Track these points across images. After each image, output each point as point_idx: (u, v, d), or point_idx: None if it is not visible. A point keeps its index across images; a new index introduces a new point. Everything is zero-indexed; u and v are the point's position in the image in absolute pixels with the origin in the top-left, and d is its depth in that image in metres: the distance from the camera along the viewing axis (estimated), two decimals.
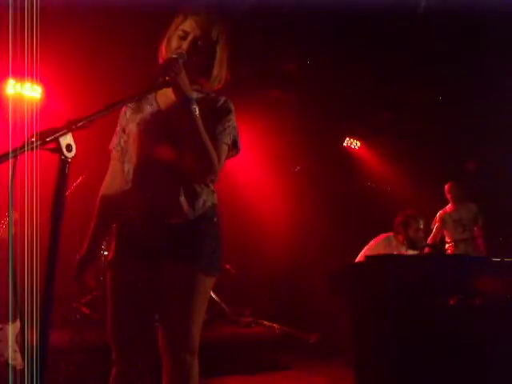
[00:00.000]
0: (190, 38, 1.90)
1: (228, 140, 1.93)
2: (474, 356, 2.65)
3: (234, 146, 1.97)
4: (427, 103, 6.93)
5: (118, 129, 2.02)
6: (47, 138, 1.29)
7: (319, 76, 6.41)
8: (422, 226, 4.60)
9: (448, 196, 5.98)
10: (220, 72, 1.99)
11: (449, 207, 6.00)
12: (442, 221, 5.96)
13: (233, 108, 1.97)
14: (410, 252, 4.58)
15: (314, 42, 5.64)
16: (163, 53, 1.97)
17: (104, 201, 1.98)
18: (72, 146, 1.33)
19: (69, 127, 1.33)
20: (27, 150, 1.26)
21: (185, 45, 1.89)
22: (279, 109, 6.62)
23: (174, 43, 1.92)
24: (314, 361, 4.96)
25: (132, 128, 1.94)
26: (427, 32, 5.41)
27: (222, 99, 1.98)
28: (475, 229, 5.81)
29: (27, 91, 5.08)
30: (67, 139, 1.32)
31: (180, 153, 1.85)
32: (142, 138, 1.91)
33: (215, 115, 1.91)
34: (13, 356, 3.09)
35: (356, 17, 4.87)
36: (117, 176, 1.98)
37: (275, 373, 4.50)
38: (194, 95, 1.83)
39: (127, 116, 1.99)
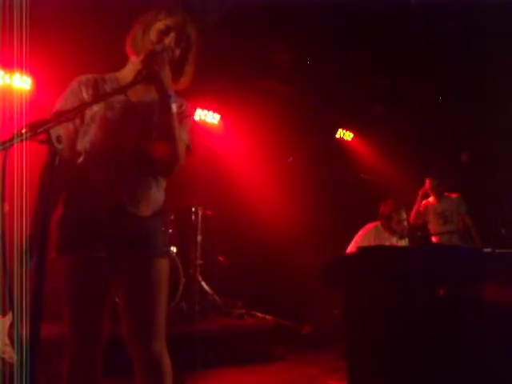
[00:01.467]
0: (172, 34, 1.90)
1: (187, 140, 1.98)
2: (466, 346, 2.68)
3: (188, 148, 2.01)
4: (420, 95, 6.94)
5: (71, 106, 1.86)
6: (38, 130, 1.28)
7: (312, 67, 6.40)
8: (404, 217, 4.65)
9: (429, 192, 6.11)
10: (190, 73, 2.01)
11: (432, 199, 6.13)
12: (426, 210, 6.12)
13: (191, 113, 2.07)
14: (397, 240, 4.64)
15: (308, 34, 5.61)
16: (139, 43, 1.93)
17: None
18: (62, 137, 1.32)
19: (58, 119, 1.33)
20: (17, 141, 1.24)
21: (167, 40, 1.89)
22: (272, 100, 6.59)
23: (153, 36, 1.90)
24: (307, 352, 4.99)
25: (97, 112, 1.88)
26: (420, 24, 5.40)
27: (185, 103, 2.02)
28: (463, 219, 5.88)
29: (16, 82, 5.03)
30: (57, 131, 1.32)
31: (150, 146, 1.86)
32: (110, 125, 1.88)
33: (179, 117, 1.94)
34: (3, 349, 3.07)
35: (349, 8, 4.85)
36: (61, 157, 1.92)
37: (268, 364, 4.52)
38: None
39: (85, 96, 1.90)
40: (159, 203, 1.95)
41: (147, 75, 1.74)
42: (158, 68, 1.74)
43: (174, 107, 1.81)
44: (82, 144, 1.88)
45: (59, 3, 4.45)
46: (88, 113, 1.90)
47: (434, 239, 5.97)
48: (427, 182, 6.06)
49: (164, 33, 1.90)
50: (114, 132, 1.87)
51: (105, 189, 1.84)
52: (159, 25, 1.91)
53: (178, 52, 1.92)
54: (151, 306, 1.84)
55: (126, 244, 1.84)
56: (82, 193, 1.88)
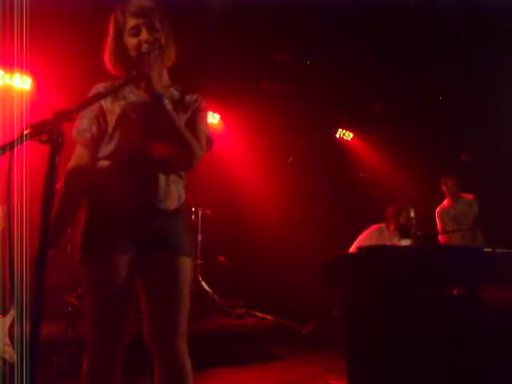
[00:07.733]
0: (144, 29, 1.89)
1: (206, 132, 2.01)
2: (466, 346, 2.68)
3: (208, 140, 2.04)
4: (420, 94, 6.93)
5: (88, 114, 1.93)
6: (39, 130, 1.29)
7: (312, 67, 6.39)
8: (412, 215, 4.67)
9: (445, 193, 5.87)
10: (170, 54, 1.99)
11: (446, 202, 5.89)
12: (440, 217, 5.86)
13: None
14: (403, 242, 4.64)
15: (307, 33, 5.61)
16: (117, 56, 1.93)
17: (70, 185, 1.92)
18: (63, 137, 1.33)
19: (59, 119, 1.33)
20: (19, 143, 1.25)
21: (143, 37, 1.88)
22: (272, 100, 6.59)
23: (129, 41, 1.90)
24: (307, 351, 5.00)
25: (118, 115, 1.90)
26: (420, 24, 5.40)
27: (199, 98, 2.04)
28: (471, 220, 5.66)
29: (16, 82, 5.02)
30: (58, 131, 1.33)
31: (163, 144, 1.88)
32: (133, 127, 1.90)
33: (196, 112, 1.99)
34: (4, 349, 3.07)
35: (348, 7, 4.85)
36: (82, 162, 1.93)
37: (268, 364, 4.52)
38: (171, 90, 1.90)
39: (107, 103, 1.93)
40: (182, 199, 1.96)
41: (136, 76, 1.78)
42: (147, 69, 1.78)
43: (168, 104, 1.83)
44: (108, 148, 1.90)
45: (59, 3, 4.44)
46: (112, 118, 1.92)
47: (442, 238, 5.76)
48: (442, 181, 5.81)
49: (136, 34, 1.89)
50: (136, 133, 1.89)
51: (132, 189, 1.86)
52: (128, 27, 1.90)
53: (163, 40, 1.92)
54: (177, 305, 1.86)
55: (153, 242, 1.86)
56: (108, 195, 1.88)
